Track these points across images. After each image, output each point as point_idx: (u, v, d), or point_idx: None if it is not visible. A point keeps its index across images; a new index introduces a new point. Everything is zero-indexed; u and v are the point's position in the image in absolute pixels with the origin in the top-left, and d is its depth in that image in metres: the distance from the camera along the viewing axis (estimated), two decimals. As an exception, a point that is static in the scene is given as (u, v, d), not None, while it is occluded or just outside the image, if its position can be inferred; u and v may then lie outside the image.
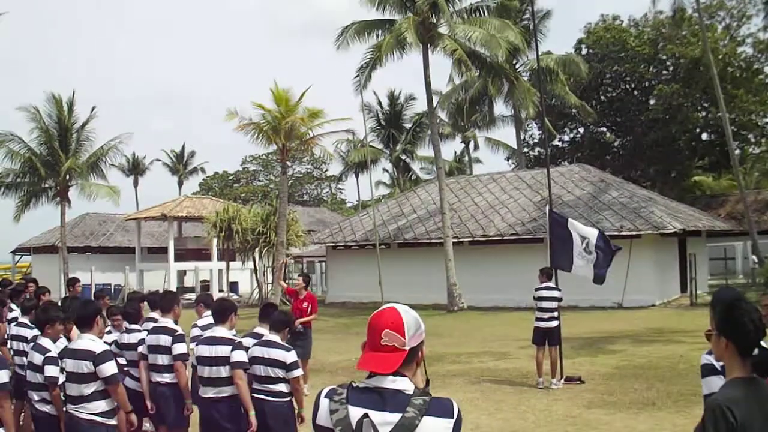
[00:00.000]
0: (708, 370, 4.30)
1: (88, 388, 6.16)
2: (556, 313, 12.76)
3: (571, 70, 40.38)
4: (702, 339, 4.06)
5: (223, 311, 7.11)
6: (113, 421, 6.35)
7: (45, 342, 6.86)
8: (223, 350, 6.74)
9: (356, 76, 30.13)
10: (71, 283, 13.18)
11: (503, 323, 23.64)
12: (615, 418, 10.22)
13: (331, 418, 2.50)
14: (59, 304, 9.72)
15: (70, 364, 6.24)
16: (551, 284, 12.92)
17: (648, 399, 11.25)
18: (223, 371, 6.72)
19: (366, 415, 2.44)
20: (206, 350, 6.85)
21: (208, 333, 7.20)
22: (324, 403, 2.57)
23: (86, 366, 6.13)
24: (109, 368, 6.19)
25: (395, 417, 2.43)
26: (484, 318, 25.75)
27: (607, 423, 9.98)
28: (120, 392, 6.34)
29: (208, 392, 6.81)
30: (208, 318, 8.98)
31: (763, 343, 3.15)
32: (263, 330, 7.45)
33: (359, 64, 30.09)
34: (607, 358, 15.47)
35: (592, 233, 12.94)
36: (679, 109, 43.98)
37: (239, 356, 6.73)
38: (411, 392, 2.51)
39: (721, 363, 3.59)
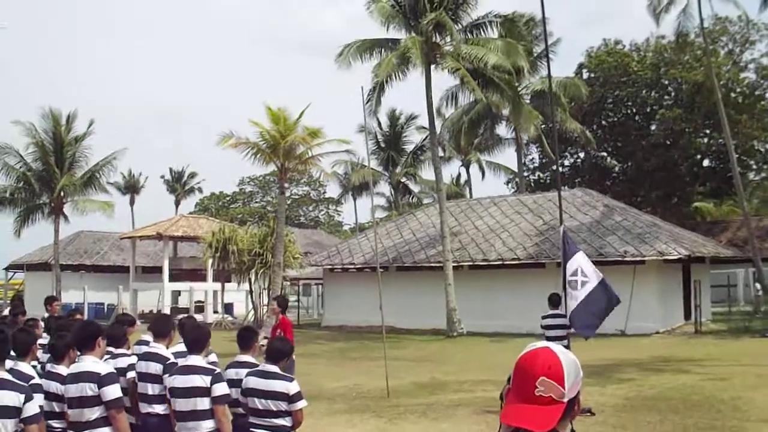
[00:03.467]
0: None
1: (93, 413, 5.66)
2: (565, 341, 12.17)
3: (571, 93, 40.18)
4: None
5: (199, 340, 6.50)
6: None
7: (25, 368, 6.28)
8: (199, 380, 6.09)
9: (368, 101, 29.55)
10: (49, 301, 12.70)
11: (504, 350, 23.02)
12: (630, 454, 9.68)
13: None
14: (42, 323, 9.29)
15: (72, 389, 5.74)
16: (558, 311, 12.39)
17: (663, 434, 10.71)
18: (200, 404, 6.06)
19: None
20: (180, 381, 6.19)
21: (181, 362, 6.51)
22: None
23: (90, 388, 5.65)
24: (114, 391, 5.70)
25: None
26: (485, 344, 25.16)
27: (622, 460, 9.44)
28: (121, 420, 5.76)
29: (184, 428, 6.17)
30: (179, 345, 8.42)
31: None
32: (247, 357, 6.95)
33: (366, 87, 29.57)
34: (615, 389, 14.88)
35: (594, 277, 11.95)
36: (680, 134, 43.67)
37: (222, 389, 6.11)
38: None
39: None
